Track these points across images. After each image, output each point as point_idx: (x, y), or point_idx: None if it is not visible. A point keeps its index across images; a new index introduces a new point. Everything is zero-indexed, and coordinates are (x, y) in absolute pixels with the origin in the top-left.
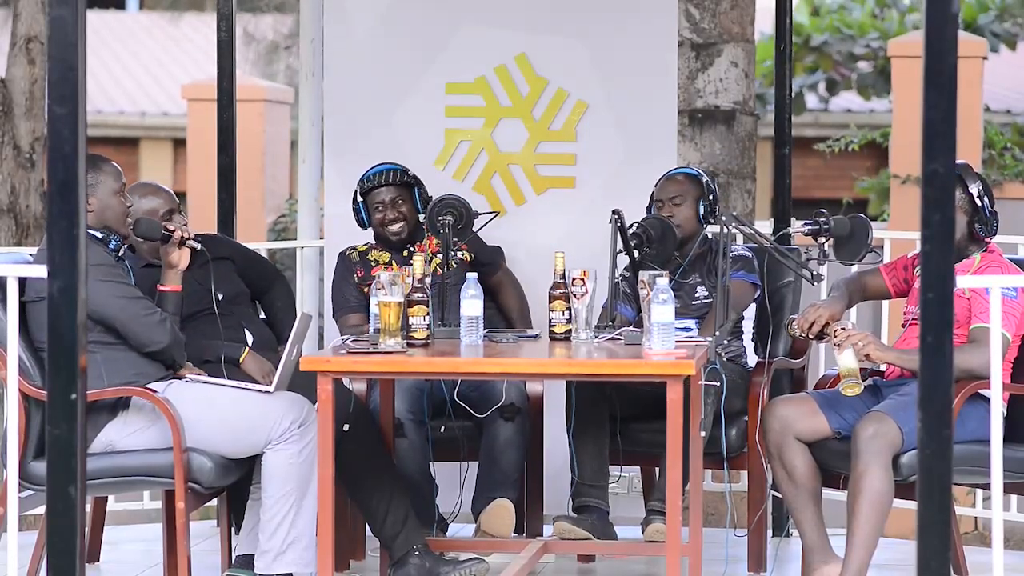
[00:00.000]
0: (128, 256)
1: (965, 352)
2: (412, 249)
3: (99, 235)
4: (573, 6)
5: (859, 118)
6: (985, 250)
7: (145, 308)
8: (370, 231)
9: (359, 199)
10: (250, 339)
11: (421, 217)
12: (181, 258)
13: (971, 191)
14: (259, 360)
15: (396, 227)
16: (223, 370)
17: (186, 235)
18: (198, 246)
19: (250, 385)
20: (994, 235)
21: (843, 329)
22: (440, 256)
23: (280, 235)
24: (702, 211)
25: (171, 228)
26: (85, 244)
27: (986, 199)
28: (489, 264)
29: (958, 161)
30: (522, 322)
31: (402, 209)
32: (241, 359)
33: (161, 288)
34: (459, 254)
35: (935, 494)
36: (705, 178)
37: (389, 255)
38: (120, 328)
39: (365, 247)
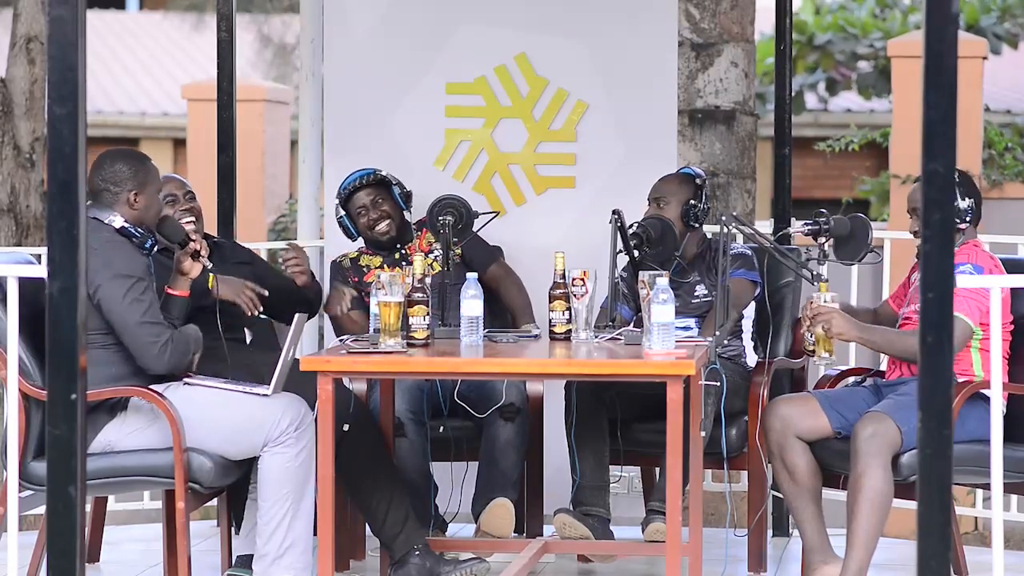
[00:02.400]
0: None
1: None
2: (404, 251)
3: (137, 234)
4: (573, 6)
5: (859, 118)
6: (963, 242)
7: (152, 335)
8: (360, 241)
9: (341, 212)
10: (249, 337)
11: (406, 215)
12: (192, 268)
13: None
14: (228, 281)
15: (382, 226)
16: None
17: (202, 251)
18: (209, 265)
19: (249, 388)
20: (968, 222)
21: (816, 304)
22: (432, 255)
23: (280, 235)
24: (687, 213)
25: (193, 238)
26: (85, 244)
27: (958, 189)
28: (477, 259)
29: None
30: (526, 315)
31: (384, 208)
32: (210, 285)
33: (169, 291)
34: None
35: (935, 494)
36: (700, 180)
37: (380, 259)
38: (125, 344)
39: (356, 253)
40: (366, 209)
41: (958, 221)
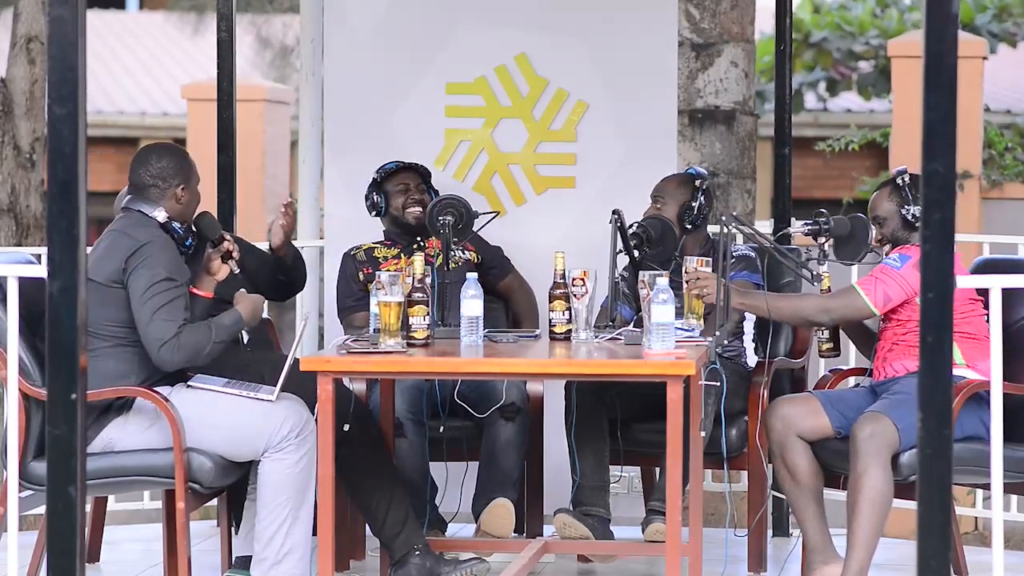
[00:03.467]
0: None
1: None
2: (423, 243)
3: (179, 230)
4: (573, 6)
5: (859, 118)
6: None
7: (159, 333)
8: (377, 232)
9: (373, 189)
10: (246, 338)
11: None
12: (220, 270)
13: (897, 182)
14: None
15: (417, 210)
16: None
17: (234, 254)
18: (237, 270)
19: (252, 393)
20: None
21: (693, 269)
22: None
23: None
24: (685, 215)
25: (227, 238)
26: (85, 244)
27: (908, 188)
28: (497, 267)
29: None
30: (530, 321)
31: (423, 196)
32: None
33: (194, 291)
34: (466, 254)
35: (935, 494)
36: (700, 182)
37: (398, 250)
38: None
39: (370, 245)
40: (406, 188)
41: (914, 224)
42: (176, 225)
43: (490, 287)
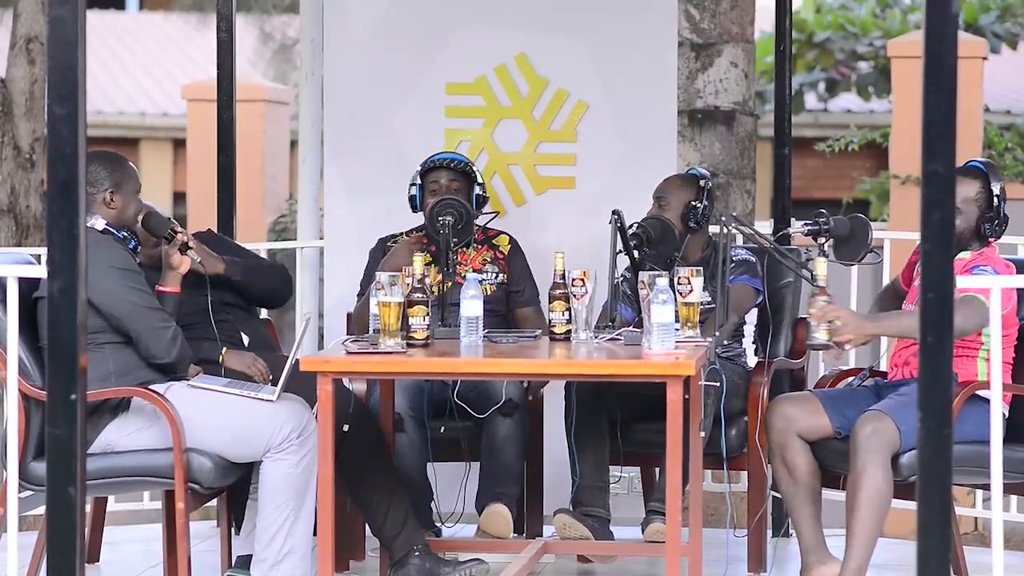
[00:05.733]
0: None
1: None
2: (456, 259)
3: (121, 236)
4: (573, 6)
5: (859, 118)
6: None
7: (161, 320)
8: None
9: (417, 181)
10: (246, 340)
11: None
12: (182, 263)
13: (992, 188)
14: (239, 355)
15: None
16: (212, 371)
17: (190, 242)
18: (197, 258)
19: (253, 393)
20: (998, 238)
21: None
22: (480, 274)
23: (280, 235)
24: (689, 215)
25: (178, 230)
26: (85, 244)
27: (1003, 203)
28: (522, 293)
29: (985, 160)
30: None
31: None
32: (220, 359)
33: (160, 289)
34: (499, 277)
35: (935, 494)
36: (703, 183)
37: (429, 259)
38: (132, 335)
39: (407, 240)
40: (439, 188)
41: (995, 229)
42: (116, 232)
43: (507, 307)
